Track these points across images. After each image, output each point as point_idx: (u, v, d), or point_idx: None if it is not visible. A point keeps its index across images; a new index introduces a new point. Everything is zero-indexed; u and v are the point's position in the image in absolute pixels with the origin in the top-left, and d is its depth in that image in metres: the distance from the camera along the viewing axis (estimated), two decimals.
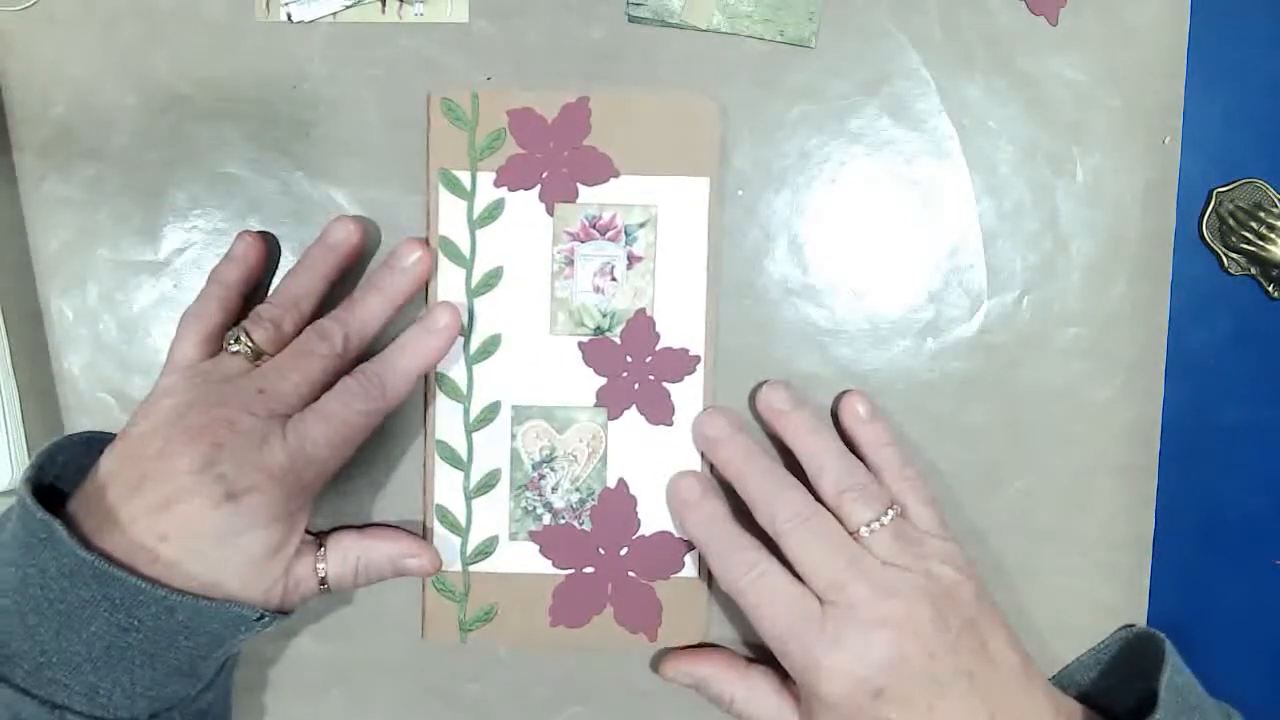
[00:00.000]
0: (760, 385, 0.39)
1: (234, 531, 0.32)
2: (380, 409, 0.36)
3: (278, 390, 0.34)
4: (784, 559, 0.35)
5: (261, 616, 0.34)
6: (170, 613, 0.31)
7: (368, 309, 0.37)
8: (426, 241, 0.39)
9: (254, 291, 0.39)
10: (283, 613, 0.35)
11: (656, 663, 0.40)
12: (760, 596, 0.35)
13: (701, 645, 0.40)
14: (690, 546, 0.40)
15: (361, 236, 0.39)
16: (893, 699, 0.33)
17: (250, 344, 0.35)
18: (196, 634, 0.32)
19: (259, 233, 0.40)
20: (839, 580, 0.34)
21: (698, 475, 0.39)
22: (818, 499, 0.36)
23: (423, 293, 0.40)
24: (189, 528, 0.32)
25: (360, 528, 0.39)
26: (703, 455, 0.39)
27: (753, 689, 0.37)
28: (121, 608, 0.31)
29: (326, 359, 0.36)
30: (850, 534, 0.35)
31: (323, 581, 0.36)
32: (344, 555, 0.37)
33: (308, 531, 0.37)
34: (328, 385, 0.36)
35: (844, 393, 0.39)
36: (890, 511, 0.35)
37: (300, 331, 0.36)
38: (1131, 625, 0.40)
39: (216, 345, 0.36)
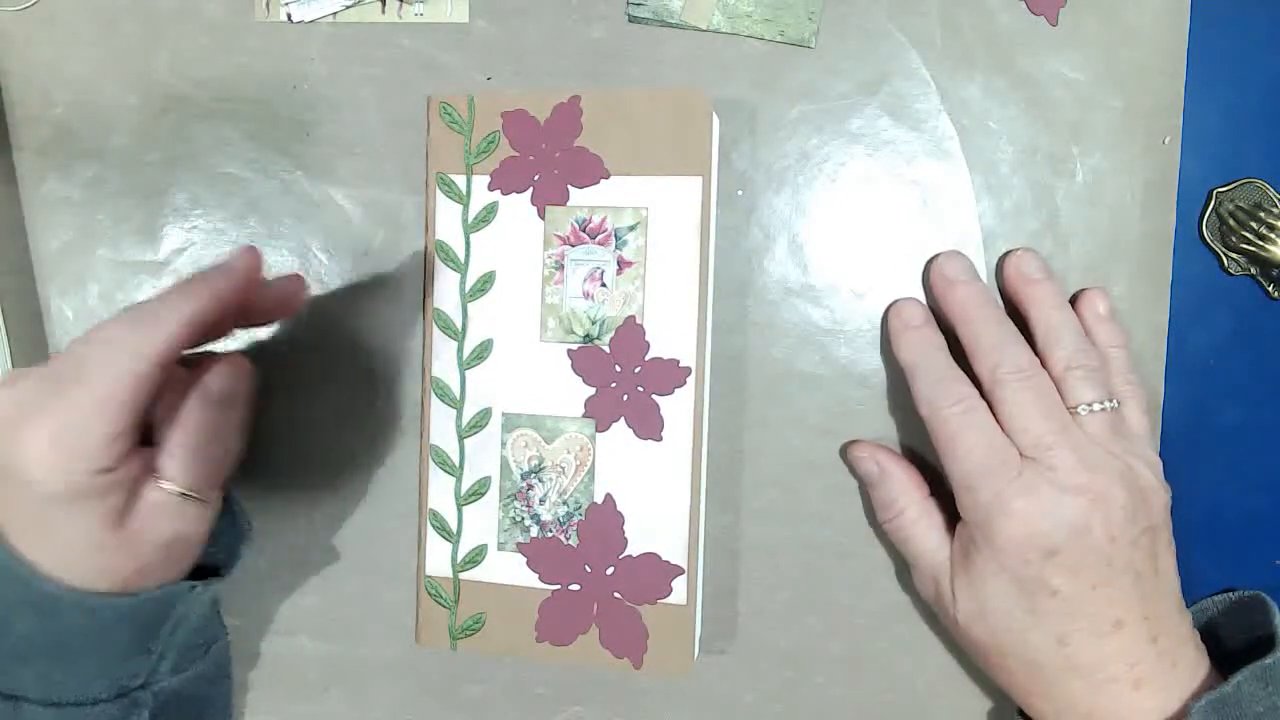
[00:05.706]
0: (1011, 253, 0.38)
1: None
2: None
3: None
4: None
5: (194, 587, 0.33)
6: (92, 614, 0.32)
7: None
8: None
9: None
10: (217, 574, 0.35)
11: (845, 450, 0.39)
12: (962, 428, 0.34)
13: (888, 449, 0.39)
14: (679, 571, 0.38)
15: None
16: (1062, 565, 0.33)
17: None
18: (131, 621, 0.32)
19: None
20: (1047, 441, 0.34)
21: (920, 303, 0.38)
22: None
23: (422, 297, 0.40)
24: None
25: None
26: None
27: (927, 514, 0.37)
28: (46, 612, 0.31)
29: None
30: (1068, 408, 0.35)
31: (186, 494, 0.33)
32: (183, 463, 0.33)
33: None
34: None
35: (1083, 290, 0.38)
36: (1112, 401, 0.35)
37: None
38: (1233, 589, 0.39)
39: None
